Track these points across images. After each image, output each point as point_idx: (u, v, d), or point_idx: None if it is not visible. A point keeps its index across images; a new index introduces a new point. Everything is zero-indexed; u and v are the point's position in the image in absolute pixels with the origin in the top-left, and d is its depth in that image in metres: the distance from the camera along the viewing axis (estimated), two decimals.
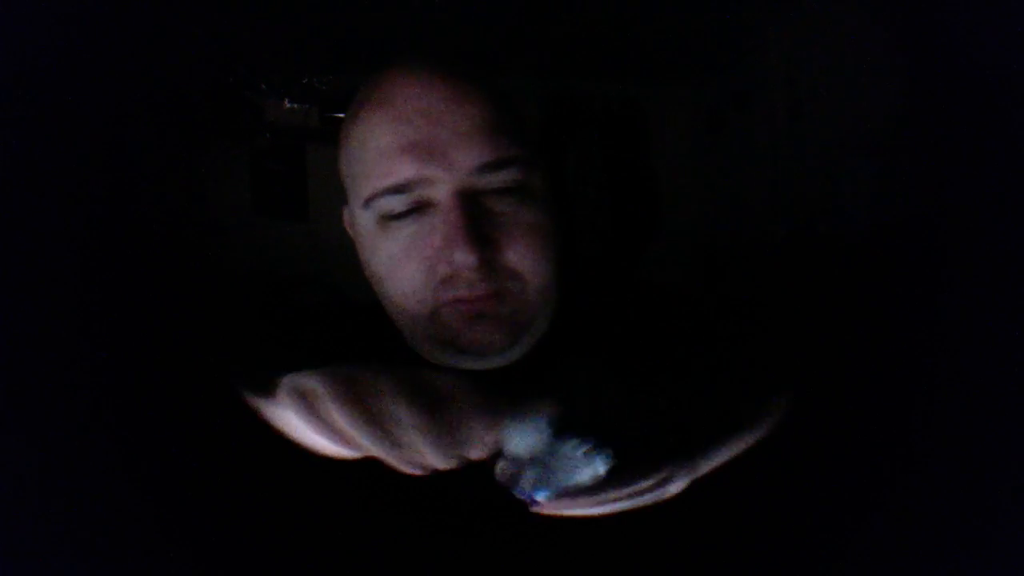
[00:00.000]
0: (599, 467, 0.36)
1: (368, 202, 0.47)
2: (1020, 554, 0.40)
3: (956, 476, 0.43)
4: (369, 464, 0.48)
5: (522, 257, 0.45)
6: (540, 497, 0.37)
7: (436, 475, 0.44)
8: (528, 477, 0.37)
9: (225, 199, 2.24)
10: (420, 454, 0.36)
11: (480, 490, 0.48)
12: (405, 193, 0.45)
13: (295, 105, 2.18)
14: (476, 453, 0.38)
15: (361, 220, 0.48)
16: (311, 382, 0.38)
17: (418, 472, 0.38)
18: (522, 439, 0.37)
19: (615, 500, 0.38)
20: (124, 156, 0.51)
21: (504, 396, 0.39)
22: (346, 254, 0.56)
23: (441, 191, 0.45)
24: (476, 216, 0.44)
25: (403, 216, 0.45)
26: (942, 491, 0.43)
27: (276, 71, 2.00)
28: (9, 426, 0.41)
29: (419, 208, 0.46)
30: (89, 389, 0.47)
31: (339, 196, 0.54)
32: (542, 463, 0.37)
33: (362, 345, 0.57)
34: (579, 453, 0.36)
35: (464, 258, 0.43)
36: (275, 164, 2.38)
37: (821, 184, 1.57)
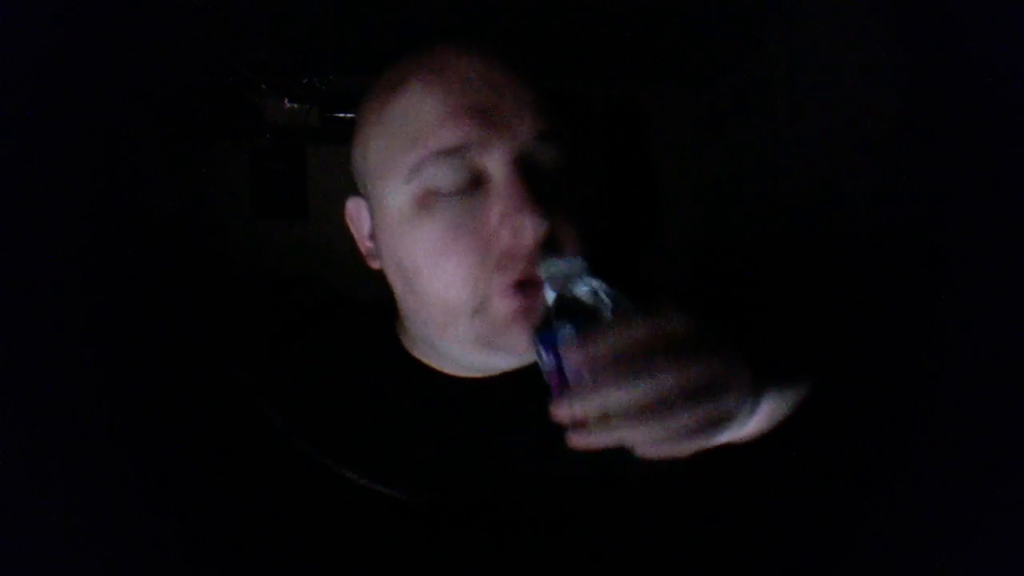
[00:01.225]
0: (605, 308, 0.37)
1: (413, 171, 0.42)
2: (1020, 554, 0.40)
3: (955, 477, 0.43)
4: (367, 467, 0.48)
5: (576, 239, 0.43)
6: (562, 337, 0.37)
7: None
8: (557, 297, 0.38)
9: (225, 198, 2.24)
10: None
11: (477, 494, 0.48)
12: (458, 157, 0.41)
13: (295, 105, 2.19)
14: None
15: (395, 203, 0.43)
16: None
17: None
18: (558, 267, 0.39)
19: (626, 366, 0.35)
20: (124, 156, 0.51)
21: None
22: (346, 252, 0.55)
23: (497, 160, 0.41)
24: (536, 188, 0.40)
25: (451, 194, 0.41)
26: (941, 493, 0.43)
27: (276, 71, 2.00)
28: (8, 426, 0.41)
29: (470, 184, 0.41)
30: (89, 389, 0.46)
31: (339, 195, 0.53)
32: (568, 289, 0.38)
33: (352, 345, 0.56)
34: (598, 291, 0.37)
35: (533, 225, 0.39)
36: (275, 164, 2.39)
37: (821, 183, 1.57)
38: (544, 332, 0.38)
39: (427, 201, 0.42)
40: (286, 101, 2.10)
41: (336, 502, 0.48)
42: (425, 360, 0.48)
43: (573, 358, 0.35)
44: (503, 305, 0.40)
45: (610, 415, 0.33)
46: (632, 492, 0.47)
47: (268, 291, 1.98)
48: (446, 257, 0.41)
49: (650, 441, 0.34)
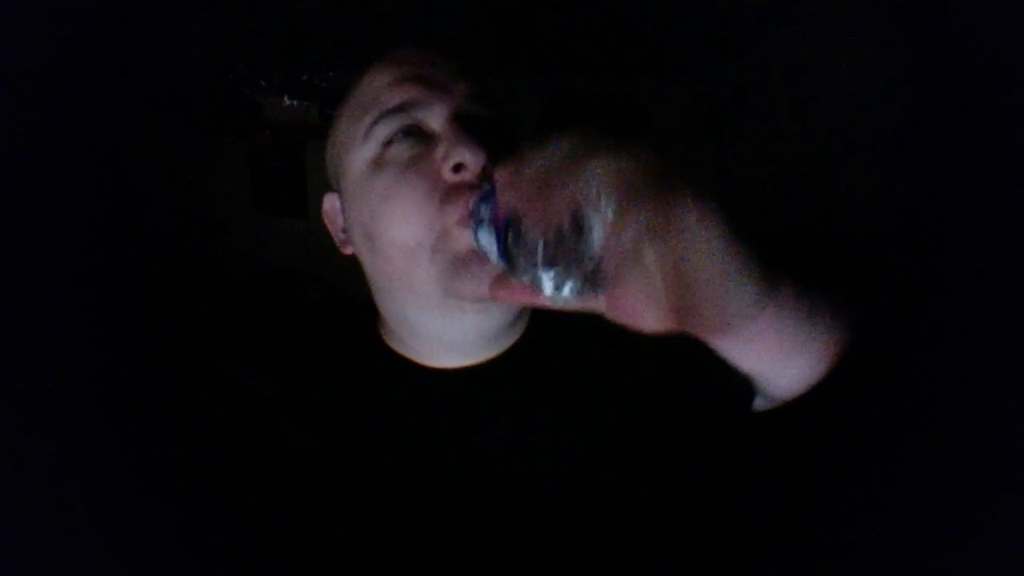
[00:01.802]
0: None
1: (368, 132, 0.49)
2: (1020, 554, 0.41)
3: (954, 478, 0.43)
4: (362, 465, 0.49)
5: None
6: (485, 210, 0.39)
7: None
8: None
9: (225, 196, 2.24)
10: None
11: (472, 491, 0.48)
12: (405, 115, 0.48)
13: (294, 102, 2.18)
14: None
15: (356, 167, 0.49)
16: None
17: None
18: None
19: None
20: (125, 153, 0.51)
21: None
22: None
23: (438, 116, 0.48)
24: (473, 133, 0.47)
25: (401, 141, 0.48)
26: (939, 496, 0.43)
27: (276, 68, 2.00)
28: (9, 424, 0.42)
29: (418, 135, 0.48)
30: (90, 384, 0.47)
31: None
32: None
33: (334, 345, 0.57)
34: None
35: (472, 159, 0.45)
36: (275, 161, 2.38)
37: (821, 181, 1.57)
38: (471, 215, 0.40)
39: (381, 159, 0.48)
40: (286, 98, 2.10)
41: (327, 498, 0.49)
42: (405, 353, 0.50)
43: (498, 200, 0.35)
44: (461, 237, 0.43)
45: (567, 249, 0.31)
46: (621, 483, 0.47)
47: (268, 287, 1.98)
48: (397, 196, 0.46)
49: (613, 272, 0.30)
